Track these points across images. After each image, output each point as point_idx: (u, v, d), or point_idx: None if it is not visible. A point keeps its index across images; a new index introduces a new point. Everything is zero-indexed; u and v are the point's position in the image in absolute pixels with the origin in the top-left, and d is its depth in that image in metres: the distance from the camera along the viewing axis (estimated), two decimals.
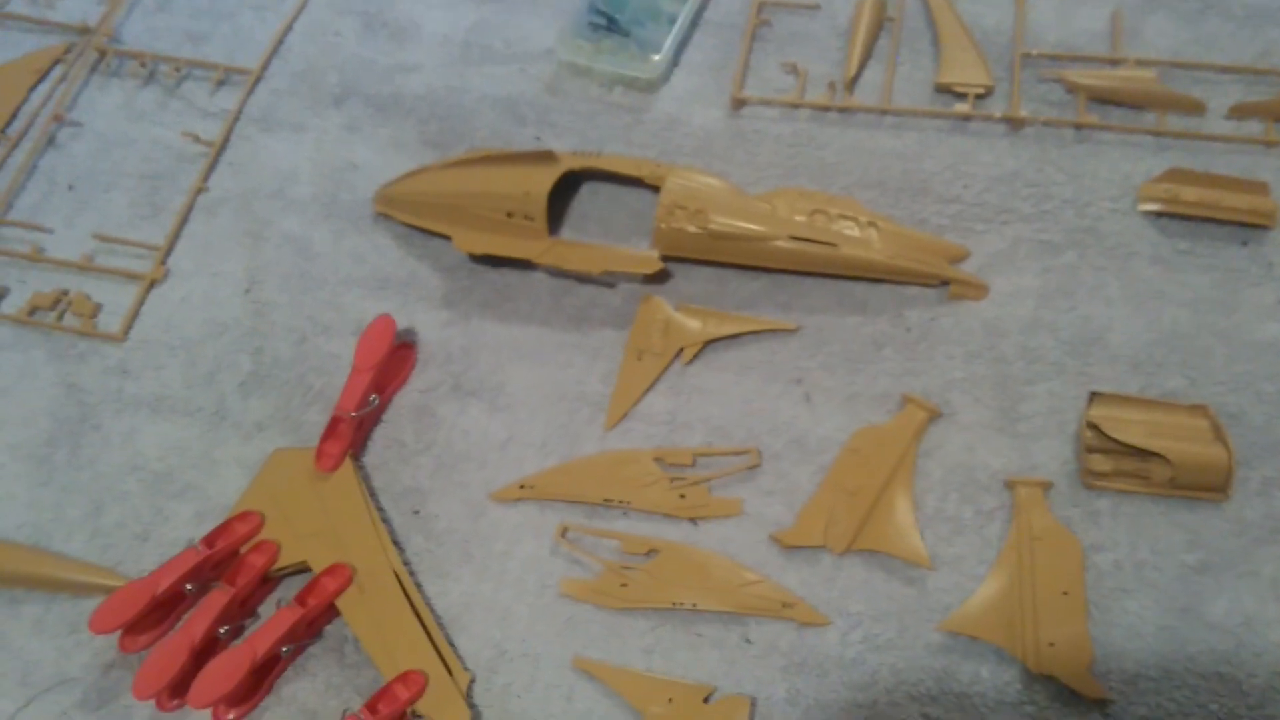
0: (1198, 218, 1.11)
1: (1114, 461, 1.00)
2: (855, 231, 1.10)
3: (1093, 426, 1.00)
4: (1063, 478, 1.01)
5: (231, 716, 0.96)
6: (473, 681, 0.97)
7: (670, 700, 0.94)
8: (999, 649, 0.94)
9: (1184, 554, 0.96)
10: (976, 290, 1.10)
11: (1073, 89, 1.21)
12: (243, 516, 1.03)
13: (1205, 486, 0.98)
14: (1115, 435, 0.98)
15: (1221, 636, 0.93)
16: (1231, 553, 0.96)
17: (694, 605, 0.97)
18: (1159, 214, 1.12)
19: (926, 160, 1.19)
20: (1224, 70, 1.21)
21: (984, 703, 0.92)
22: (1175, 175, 1.11)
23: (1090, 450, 1.00)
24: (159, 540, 1.06)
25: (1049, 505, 0.99)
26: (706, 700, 0.94)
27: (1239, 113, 1.18)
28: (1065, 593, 0.94)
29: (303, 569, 1.02)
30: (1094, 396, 1.01)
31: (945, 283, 1.11)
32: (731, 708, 0.93)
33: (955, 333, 1.09)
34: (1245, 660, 0.92)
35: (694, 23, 1.33)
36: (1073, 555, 0.96)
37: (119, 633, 0.97)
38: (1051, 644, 0.92)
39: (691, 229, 1.09)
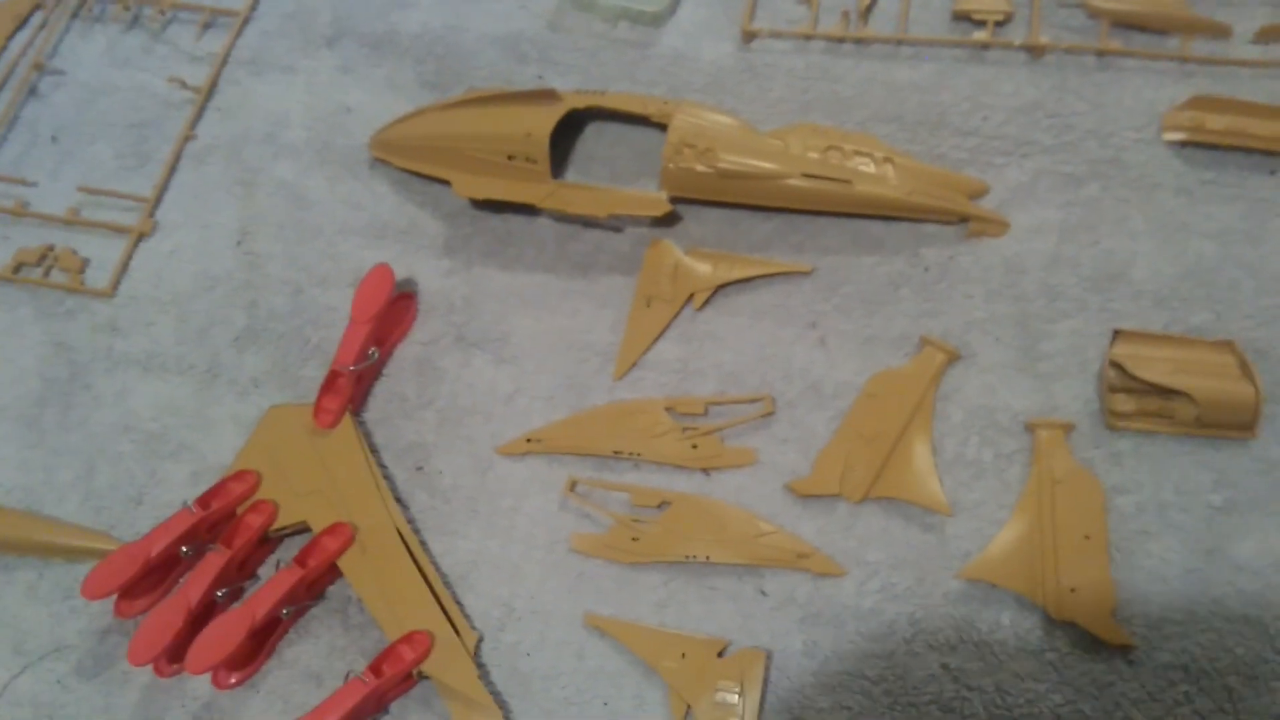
0: (1224, 146, 1.08)
1: (1137, 401, 0.97)
2: (871, 168, 1.07)
3: (1116, 365, 0.97)
4: (1085, 418, 0.98)
5: (233, 680, 0.95)
6: (480, 641, 0.95)
7: (684, 655, 0.92)
8: (1019, 596, 0.92)
9: (1209, 494, 0.94)
10: (996, 226, 1.07)
11: (1095, 14, 1.16)
12: (239, 476, 1.01)
13: (1232, 425, 0.95)
14: (1139, 374, 0.96)
15: (1248, 578, 0.91)
16: (1259, 492, 0.94)
17: (707, 558, 0.96)
18: (1184, 143, 1.09)
19: (944, 92, 1.15)
20: None
21: (1004, 650, 0.91)
22: (1200, 103, 1.08)
23: (1113, 390, 0.98)
24: (154, 502, 1.05)
25: (1070, 447, 0.97)
26: (721, 654, 0.93)
27: (1266, 36, 1.14)
28: (1087, 537, 0.93)
29: (302, 529, 1.00)
30: (1117, 334, 0.99)
31: (964, 219, 1.08)
32: (747, 661, 0.92)
33: (975, 271, 1.06)
34: (1273, 602, 0.90)
35: None
36: (1094, 498, 0.94)
37: (114, 598, 0.96)
38: (1073, 589, 0.90)
39: (701, 168, 1.06)
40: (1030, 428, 0.98)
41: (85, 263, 1.18)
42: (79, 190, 1.22)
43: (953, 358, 1.02)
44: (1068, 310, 1.03)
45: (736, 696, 0.90)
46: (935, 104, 1.15)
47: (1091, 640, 0.90)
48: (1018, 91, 1.14)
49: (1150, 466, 0.96)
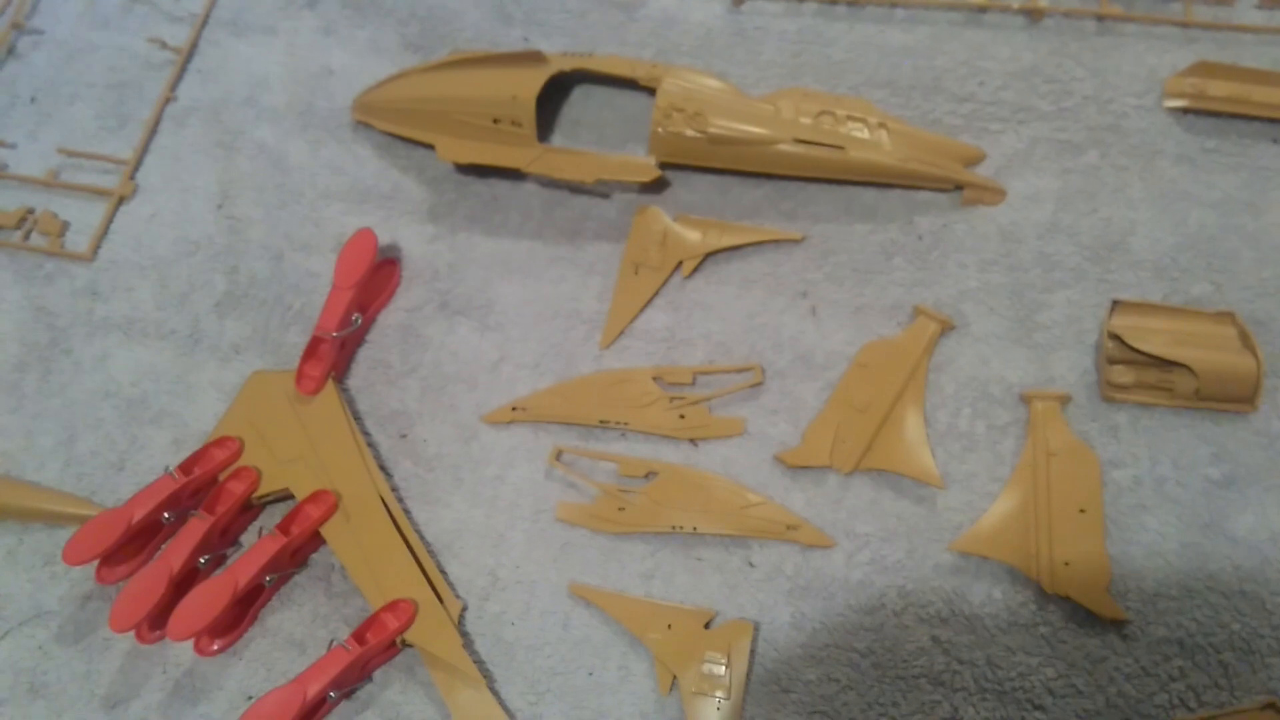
0: (1226, 114, 1.06)
1: (1136, 373, 0.96)
2: (864, 133, 1.05)
3: (1114, 336, 0.95)
4: (1081, 390, 0.97)
5: (215, 647, 0.94)
6: (465, 609, 0.94)
7: (670, 626, 0.91)
8: (1012, 569, 0.91)
9: (1208, 468, 0.93)
10: (992, 194, 1.05)
11: None
12: (221, 442, 0.99)
13: (1231, 397, 0.94)
14: (1137, 345, 0.94)
15: (1246, 553, 0.90)
16: (1258, 466, 0.93)
17: (694, 529, 0.94)
18: (1185, 110, 1.07)
19: (939, 56, 1.13)
20: None
21: (996, 624, 0.89)
22: (1203, 69, 1.06)
23: (1111, 361, 0.96)
24: (135, 468, 1.03)
25: (1066, 419, 0.95)
26: (708, 626, 0.91)
27: (1272, 1, 1.11)
28: (1082, 510, 0.91)
29: (285, 496, 0.99)
30: (1115, 305, 0.97)
31: (959, 187, 1.06)
32: (734, 633, 0.91)
33: (969, 240, 1.04)
34: (1270, 577, 0.89)
35: None
36: (1090, 471, 0.93)
37: (95, 564, 0.95)
38: (1067, 563, 0.89)
39: (690, 133, 1.04)
40: (1026, 399, 0.96)
41: (65, 226, 1.16)
42: (58, 152, 1.20)
43: (946, 328, 1.00)
44: (1064, 280, 1.02)
45: (723, 668, 0.89)
46: (930, 68, 1.13)
47: (1085, 615, 0.89)
48: (1015, 56, 1.12)
49: (1148, 439, 0.95)
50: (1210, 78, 1.06)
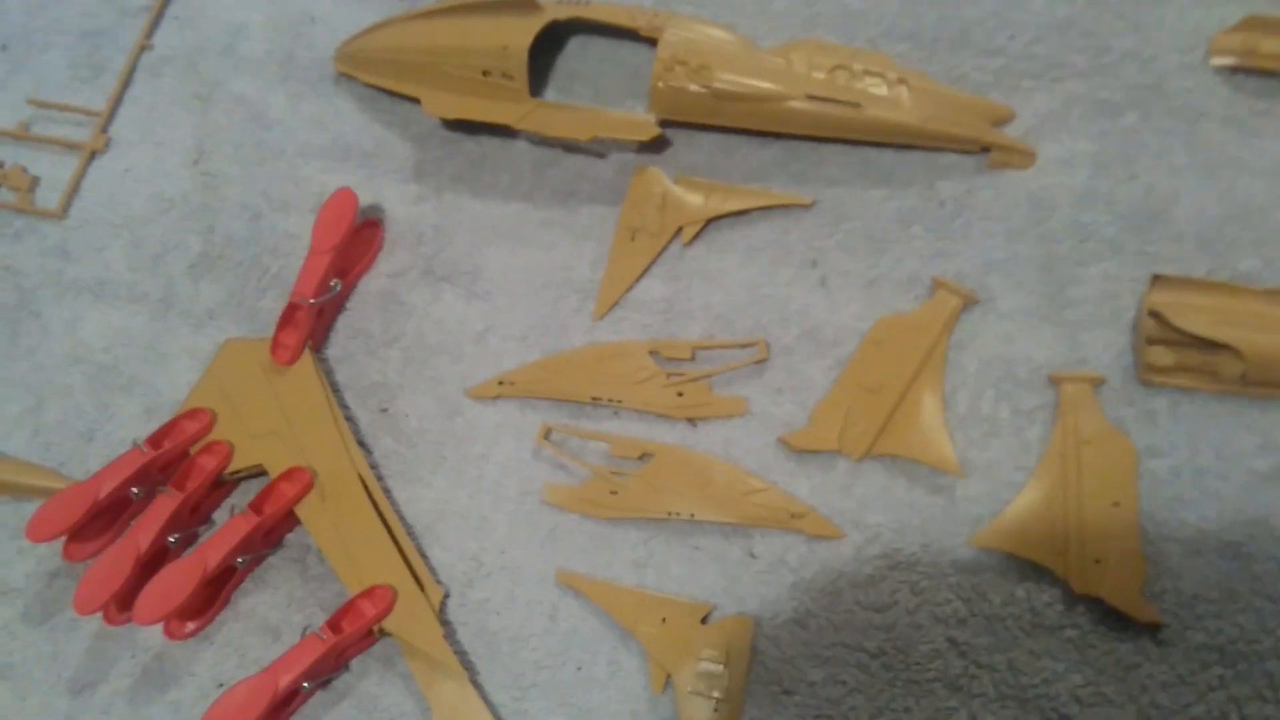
0: (1278, 73, 1.01)
1: (1176, 354, 0.91)
2: (882, 90, 1.00)
3: (1153, 314, 0.91)
4: (1116, 373, 0.93)
5: (186, 631, 0.93)
6: (446, 597, 0.92)
7: (664, 620, 0.88)
8: (1038, 567, 0.87)
9: (1253, 459, 0.89)
10: (1022, 157, 1.01)
11: None
12: (191, 414, 0.97)
13: None
14: (1179, 324, 0.90)
15: None
16: None
17: (692, 515, 0.91)
18: (1234, 69, 1.02)
19: (966, 6, 1.08)
20: None
21: (1019, 626, 0.86)
22: (1253, 24, 1.01)
23: (1150, 341, 0.92)
24: (105, 439, 1.02)
25: (1100, 404, 0.91)
26: (705, 620, 0.89)
27: None
28: (1115, 503, 0.87)
29: (258, 472, 0.97)
30: (1156, 279, 0.92)
31: (986, 149, 1.01)
32: (732, 628, 0.88)
33: (996, 207, 1.00)
34: None
35: None
36: (1125, 461, 0.89)
37: (63, 540, 0.93)
38: (1098, 561, 0.85)
39: (693, 88, 1.00)
40: (1055, 381, 0.92)
41: (35, 181, 1.13)
42: (29, 103, 1.16)
43: (968, 302, 0.96)
44: (1100, 252, 0.97)
45: (721, 667, 0.86)
46: (956, 19, 1.07)
47: (1116, 617, 0.85)
48: (1049, 7, 1.07)
49: (1188, 427, 0.90)
50: (1261, 33, 1.00)
